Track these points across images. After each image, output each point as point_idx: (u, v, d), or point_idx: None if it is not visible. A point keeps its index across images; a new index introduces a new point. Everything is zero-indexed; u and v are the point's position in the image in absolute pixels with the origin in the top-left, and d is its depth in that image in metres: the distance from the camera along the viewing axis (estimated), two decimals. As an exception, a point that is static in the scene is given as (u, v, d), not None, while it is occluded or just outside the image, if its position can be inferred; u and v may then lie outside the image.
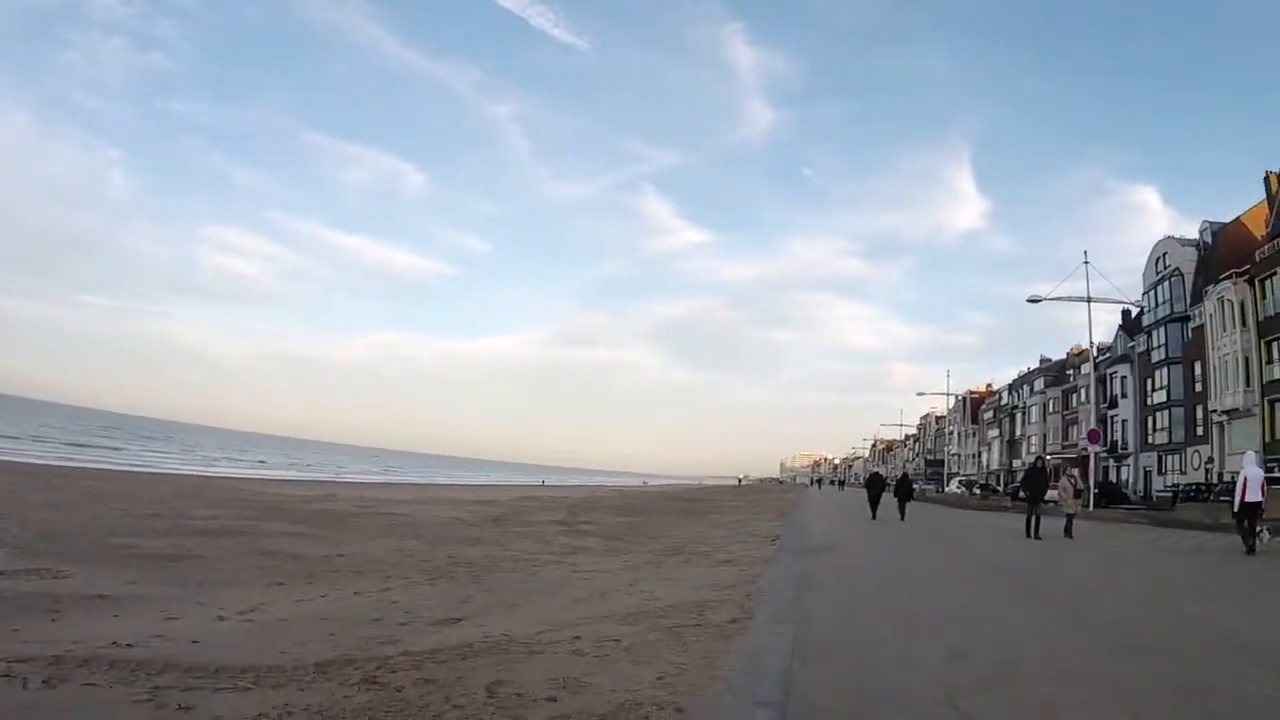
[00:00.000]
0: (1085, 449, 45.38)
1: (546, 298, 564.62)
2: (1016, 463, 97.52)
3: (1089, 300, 41.93)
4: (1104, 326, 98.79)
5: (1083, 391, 79.27)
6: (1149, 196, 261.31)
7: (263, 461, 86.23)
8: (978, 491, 72.37)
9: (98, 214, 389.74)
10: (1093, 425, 52.41)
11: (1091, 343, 50.40)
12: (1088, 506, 37.35)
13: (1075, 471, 31.40)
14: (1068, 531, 24.06)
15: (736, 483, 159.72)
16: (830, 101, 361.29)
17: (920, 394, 74.42)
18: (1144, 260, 63.16)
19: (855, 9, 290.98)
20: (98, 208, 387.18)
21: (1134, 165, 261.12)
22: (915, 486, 45.60)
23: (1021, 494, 27.61)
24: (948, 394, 73.12)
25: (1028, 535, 23.35)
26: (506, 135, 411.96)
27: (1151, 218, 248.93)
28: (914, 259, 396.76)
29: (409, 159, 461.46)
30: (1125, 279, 69.78)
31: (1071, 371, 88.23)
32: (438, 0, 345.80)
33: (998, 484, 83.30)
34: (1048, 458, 46.80)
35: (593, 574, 13.51)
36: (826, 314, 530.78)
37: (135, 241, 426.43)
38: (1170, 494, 51.15)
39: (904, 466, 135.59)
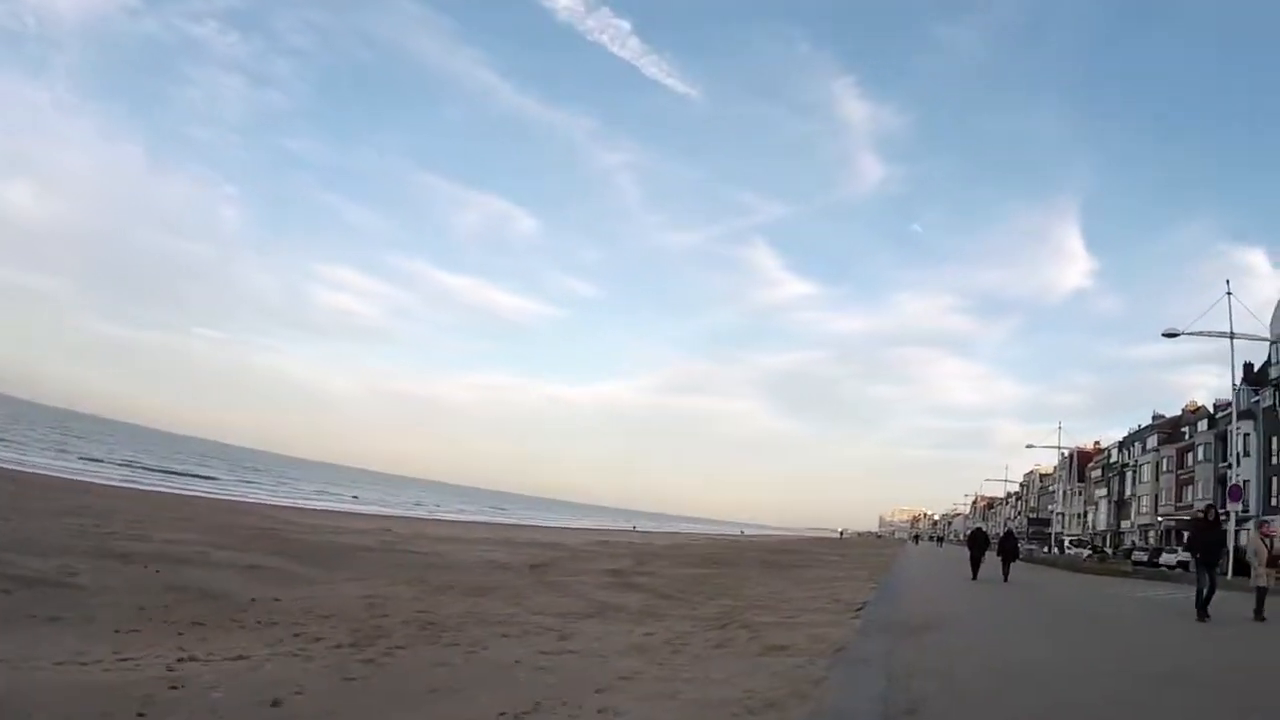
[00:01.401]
0: (1199, 510, 38.69)
1: (653, 345, 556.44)
2: (1125, 523, 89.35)
3: (1231, 336, 35.37)
4: (1210, 390, 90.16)
5: (1200, 449, 71.50)
6: (1257, 259, 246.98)
7: (356, 497, 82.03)
8: (1086, 553, 64.47)
9: (211, 247, 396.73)
10: (1221, 484, 45.50)
11: (1234, 382, 43.59)
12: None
13: (1275, 529, 22.88)
14: (1259, 613, 16.98)
15: (839, 535, 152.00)
16: (940, 157, 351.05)
17: (1030, 446, 67.41)
18: (1253, 323, 55.69)
19: (964, 64, 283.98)
20: (211, 241, 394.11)
21: (1241, 227, 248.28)
22: (1021, 546, 39.03)
23: (1190, 554, 20.12)
24: (1059, 447, 65.96)
25: (1200, 616, 16.43)
26: (618, 183, 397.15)
27: (1259, 281, 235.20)
28: (1020, 317, 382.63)
29: (521, 203, 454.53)
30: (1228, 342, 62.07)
31: (1187, 429, 79.86)
32: (551, 49, 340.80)
33: (1104, 545, 75.07)
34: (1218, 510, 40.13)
35: (574, 656, 8.94)
36: (931, 370, 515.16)
37: (247, 275, 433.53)
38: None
39: (1006, 524, 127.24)
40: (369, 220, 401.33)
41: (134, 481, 44.63)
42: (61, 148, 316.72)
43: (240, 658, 7.53)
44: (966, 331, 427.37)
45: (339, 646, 8.56)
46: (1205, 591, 16.81)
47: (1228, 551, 22.65)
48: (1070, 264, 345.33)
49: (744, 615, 14.07)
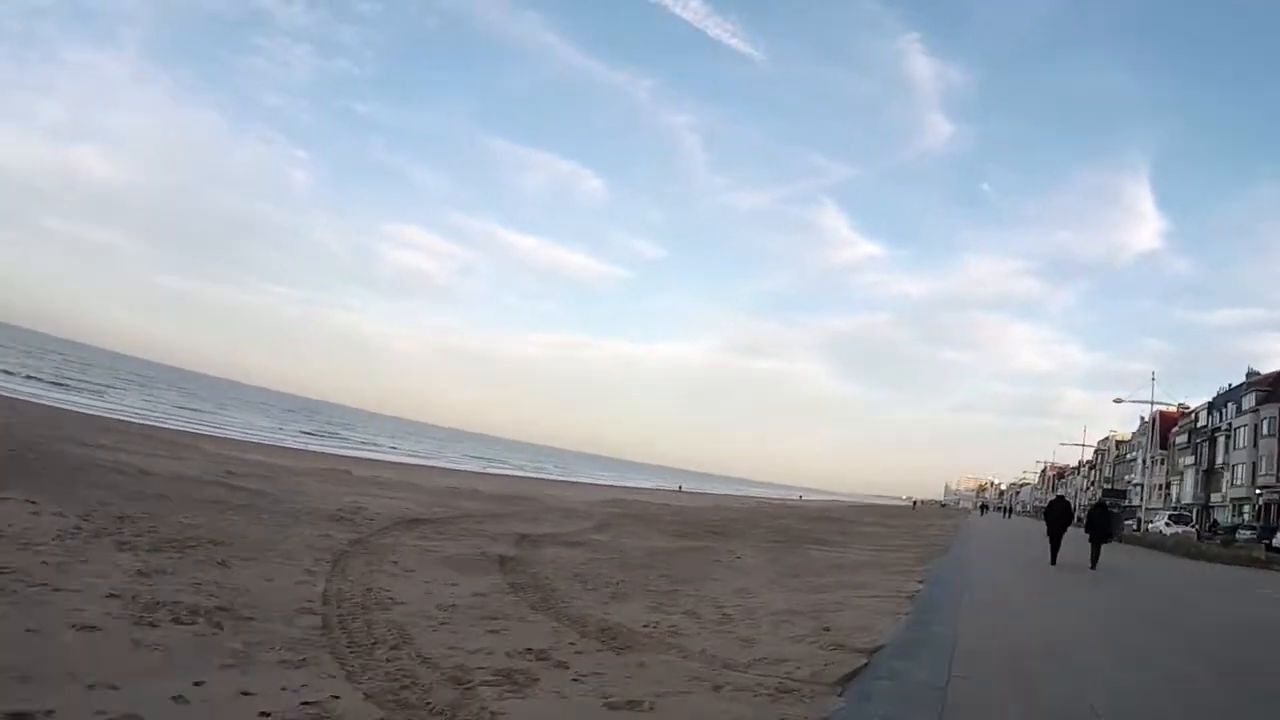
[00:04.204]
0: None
1: (718, 306, 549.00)
2: (1215, 496, 78.66)
3: None
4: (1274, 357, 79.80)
5: None
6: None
7: (394, 447, 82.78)
8: (1190, 530, 52.63)
9: (281, 207, 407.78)
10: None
11: None
12: None
13: None
14: None
15: (911, 505, 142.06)
16: (1008, 115, 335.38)
17: (1119, 400, 57.32)
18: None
19: (1031, 19, 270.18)
20: (281, 202, 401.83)
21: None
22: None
23: None
24: (1152, 401, 56.20)
25: None
26: (684, 144, 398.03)
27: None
28: (1089, 280, 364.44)
29: (587, 165, 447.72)
30: None
31: None
32: (616, 12, 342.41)
33: (1201, 521, 64.60)
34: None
35: None
36: (998, 334, 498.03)
37: (318, 235, 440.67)
38: None
39: (1091, 494, 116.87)
40: (436, 181, 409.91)
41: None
42: (136, 113, 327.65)
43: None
44: (1034, 294, 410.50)
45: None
46: None
47: None
48: (1141, 225, 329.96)
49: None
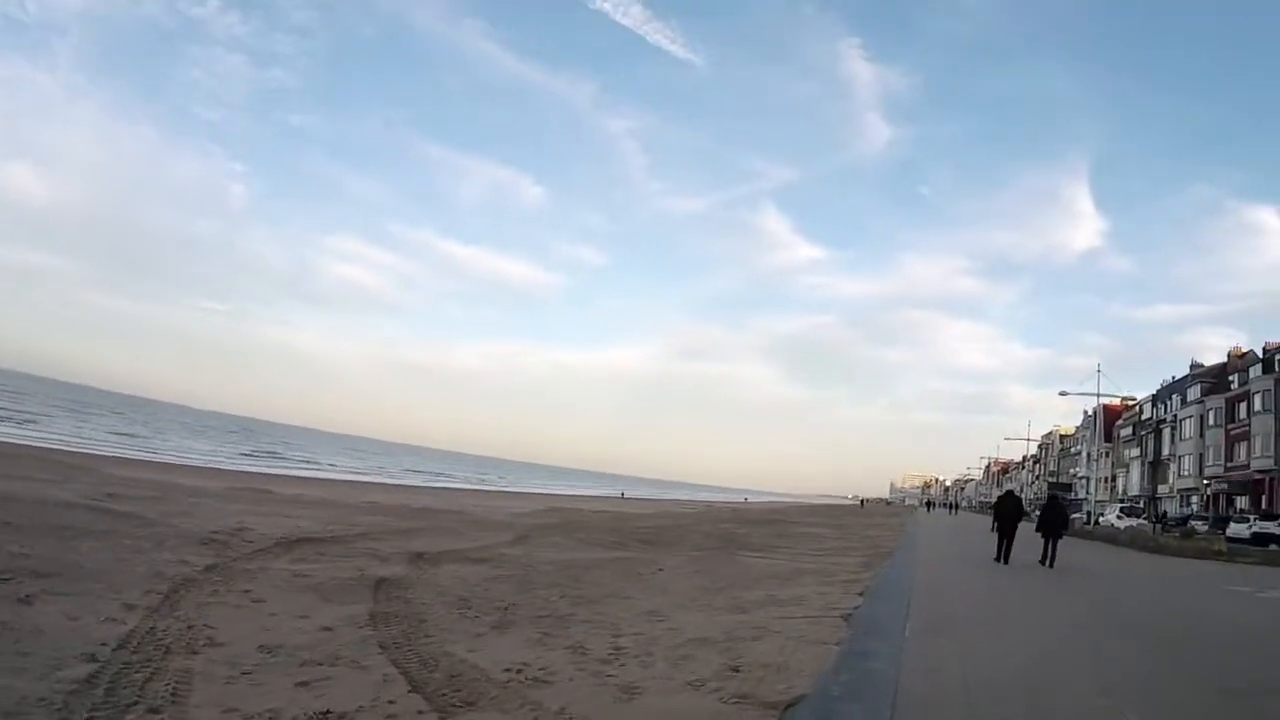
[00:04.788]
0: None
1: (660, 311, 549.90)
2: (1162, 488, 78.11)
3: None
4: (1216, 351, 79.26)
5: (1257, 399, 60.19)
6: (1267, 216, 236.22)
7: (333, 465, 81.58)
8: (1143, 523, 50.74)
9: (219, 222, 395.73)
10: None
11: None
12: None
13: None
14: None
15: (859, 504, 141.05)
16: (947, 118, 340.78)
17: (1064, 393, 55.89)
18: (1260, 285, 45.45)
19: (971, 24, 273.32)
20: (219, 216, 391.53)
21: (1251, 184, 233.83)
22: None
23: None
24: (1099, 394, 54.84)
25: None
26: (623, 150, 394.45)
27: (1269, 239, 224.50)
28: (1030, 278, 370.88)
29: (525, 171, 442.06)
30: (1241, 302, 51.77)
31: (1234, 377, 68.09)
32: (554, 18, 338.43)
33: (1150, 512, 63.37)
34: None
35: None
36: (940, 333, 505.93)
37: (257, 249, 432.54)
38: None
39: (1036, 488, 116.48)
40: (375, 192, 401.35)
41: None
42: (68, 129, 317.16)
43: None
44: (976, 294, 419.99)
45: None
46: None
47: None
48: (1080, 224, 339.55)
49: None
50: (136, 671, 6.14)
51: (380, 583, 11.32)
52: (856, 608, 10.96)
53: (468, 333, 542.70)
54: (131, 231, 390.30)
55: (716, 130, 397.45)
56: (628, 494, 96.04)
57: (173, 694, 5.69)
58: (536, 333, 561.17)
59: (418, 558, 14.42)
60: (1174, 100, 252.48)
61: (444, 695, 6.13)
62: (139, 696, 5.57)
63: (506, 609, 10.33)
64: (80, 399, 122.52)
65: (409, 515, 25.33)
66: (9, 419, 57.06)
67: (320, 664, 6.90)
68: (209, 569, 10.87)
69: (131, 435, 67.30)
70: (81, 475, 22.04)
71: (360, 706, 5.72)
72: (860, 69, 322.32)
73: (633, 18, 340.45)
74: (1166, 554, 30.46)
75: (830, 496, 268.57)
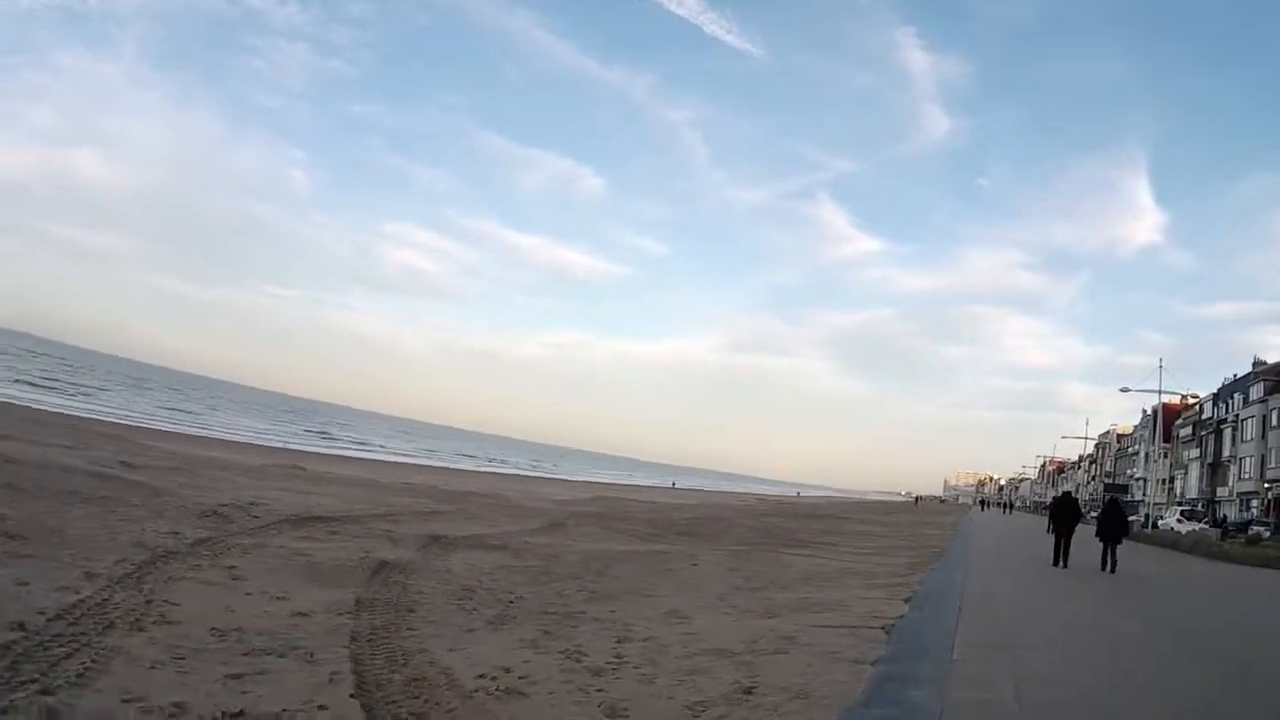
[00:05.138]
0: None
1: (720, 302, 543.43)
2: (1221, 490, 74.93)
3: None
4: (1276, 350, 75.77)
5: None
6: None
7: (383, 446, 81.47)
8: (1206, 528, 47.61)
9: (280, 208, 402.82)
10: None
11: None
12: None
13: None
14: None
15: (914, 501, 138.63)
16: (1005, 107, 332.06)
17: (1125, 389, 53.56)
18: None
19: (1027, 10, 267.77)
20: (280, 202, 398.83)
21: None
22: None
23: None
24: (1160, 390, 52.52)
25: None
26: (683, 140, 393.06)
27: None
28: (1089, 273, 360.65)
29: (586, 162, 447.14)
30: None
31: None
32: (610, 9, 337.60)
33: (1206, 516, 60.45)
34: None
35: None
36: (998, 329, 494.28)
37: (318, 235, 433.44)
38: None
39: (1091, 489, 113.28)
40: (435, 180, 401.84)
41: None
42: (133, 117, 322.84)
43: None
44: (1034, 288, 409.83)
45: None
46: None
47: None
48: (1139, 218, 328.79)
49: None
50: (59, 646, 5.67)
51: (382, 566, 10.67)
52: (900, 617, 9.86)
53: (530, 321, 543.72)
54: (197, 217, 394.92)
55: (775, 121, 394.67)
56: (679, 485, 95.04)
57: (79, 675, 5.19)
58: (598, 323, 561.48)
59: (433, 541, 13.71)
60: (1234, 89, 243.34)
61: (390, 704, 5.42)
62: (41, 674, 5.10)
63: (511, 602, 9.69)
64: (144, 376, 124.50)
65: (442, 498, 24.72)
66: (59, 390, 57.60)
67: (269, 653, 6.32)
68: (200, 543, 10.36)
69: (184, 411, 67.50)
70: (106, 444, 21.61)
71: (283, 709, 5.11)
72: (916, 58, 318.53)
73: (688, 8, 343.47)
74: (1232, 562, 28.51)
75: (884, 492, 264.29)
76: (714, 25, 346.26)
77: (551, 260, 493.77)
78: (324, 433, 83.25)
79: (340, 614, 7.87)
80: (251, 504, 14.60)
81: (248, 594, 8.21)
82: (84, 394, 59.12)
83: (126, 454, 19.28)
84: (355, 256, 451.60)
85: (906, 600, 11.48)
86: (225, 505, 13.81)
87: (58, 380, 65.24)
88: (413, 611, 8.43)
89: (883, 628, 8.93)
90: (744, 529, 26.03)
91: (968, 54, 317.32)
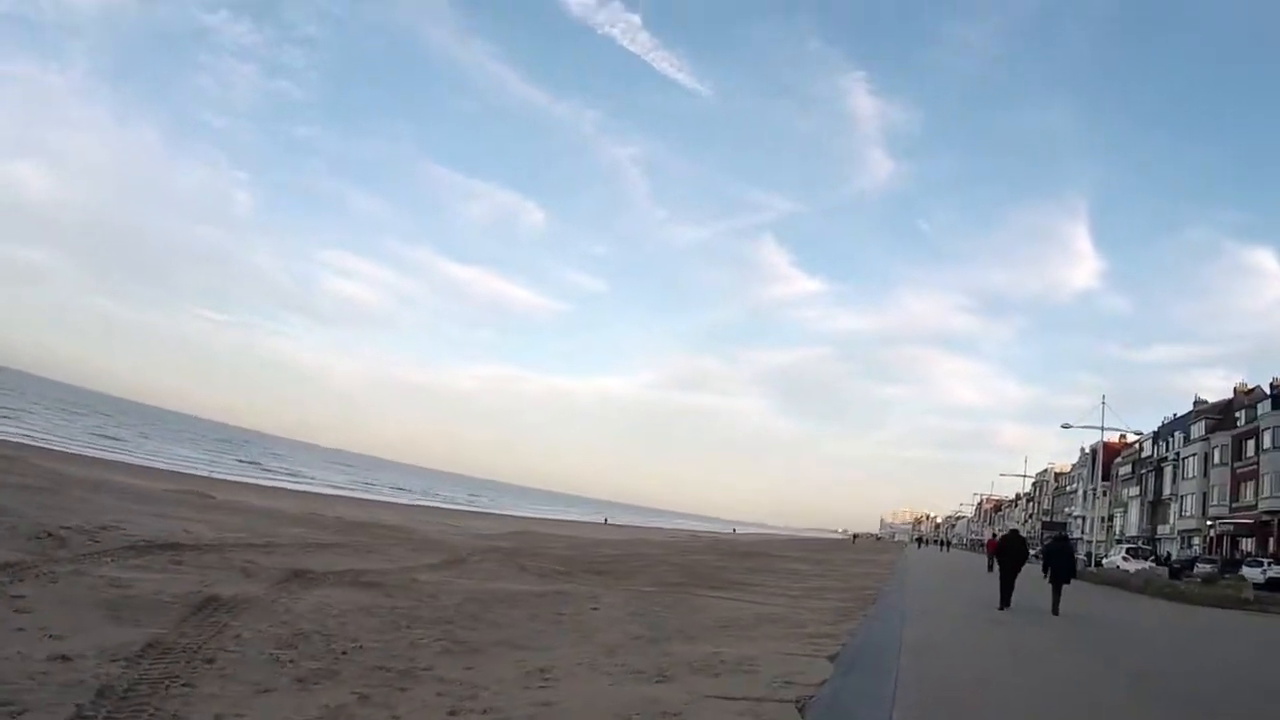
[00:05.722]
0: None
1: (657, 340, 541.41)
2: (1162, 528, 74.22)
3: None
4: (1212, 393, 75.47)
5: (1267, 435, 56.18)
6: (1265, 258, 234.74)
7: (313, 478, 79.19)
8: (1153, 566, 47.33)
9: (221, 231, 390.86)
10: None
11: None
12: None
13: None
14: None
15: (851, 539, 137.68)
16: (948, 154, 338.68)
17: (1066, 425, 51.99)
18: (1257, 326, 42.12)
19: (974, 61, 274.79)
20: (221, 225, 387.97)
21: (1248, 225, 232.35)
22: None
23: None
24: (1102, 427, 51.29)
25: None
26: (626, 176, 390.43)
27: (1267, 280, 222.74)
28: (1026, 317, 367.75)
29: (529, 195, 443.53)
30: (1239, 344, 48.37)
31: (1241, 413, 64.29)
32: (562, 42, 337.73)
33: (1152, 554, 59.25)
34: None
35: None
36: (934, 369, 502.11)
37: (258, 259, 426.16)
38: None
39: (1029, 527, 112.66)
40: (377, 208, 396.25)
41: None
42: (77, 131, 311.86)
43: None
44: (971, 330, 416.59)
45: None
46: None
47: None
48: (1078, 264, 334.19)
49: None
50: None
51: (208, 603, 9.19)
52: (821, 684, 7.68)
53: (465, 354, 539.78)
54: (135, 236, 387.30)
55: (720, 160, 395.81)
56: (613, 520, 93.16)
57: None
58: (534, 357, 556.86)
59: (294, 576, 12.15)
60: (1172, 142, 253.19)
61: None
62: None
63: (345, 653, 7.89)
64: (77, 401, 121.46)
65: (341, 529, 23.57)
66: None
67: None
68: (4, 566, 9.34)
69: (112, 438, 65.36)
70: None
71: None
72: (863, 103, 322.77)
73: (640, 44, 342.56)
74: (1190, 602, 26.70)
75: (821, 530, 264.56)
76: (664, 63, 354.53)
77: (490, 293, 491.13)
78: (255, 463, 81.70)
79: (114, 660, 6.50)
80: (102, 528, 13.47)
81: (18, 629, 7.12)
82: (4, 417, 56.54)
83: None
84: (293, 283, 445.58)
85: (831, 658, 9.36)
86: (69, 528, 12.70)
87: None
88: (210, 662, 6.88)
89: (796, 702, 6.85)
90: (666, 567, 24.05)
91: (914, 100, 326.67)
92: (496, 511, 76.26)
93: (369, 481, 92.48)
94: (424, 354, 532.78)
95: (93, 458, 40.27)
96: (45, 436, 48.33)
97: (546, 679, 7.50)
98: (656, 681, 7.61)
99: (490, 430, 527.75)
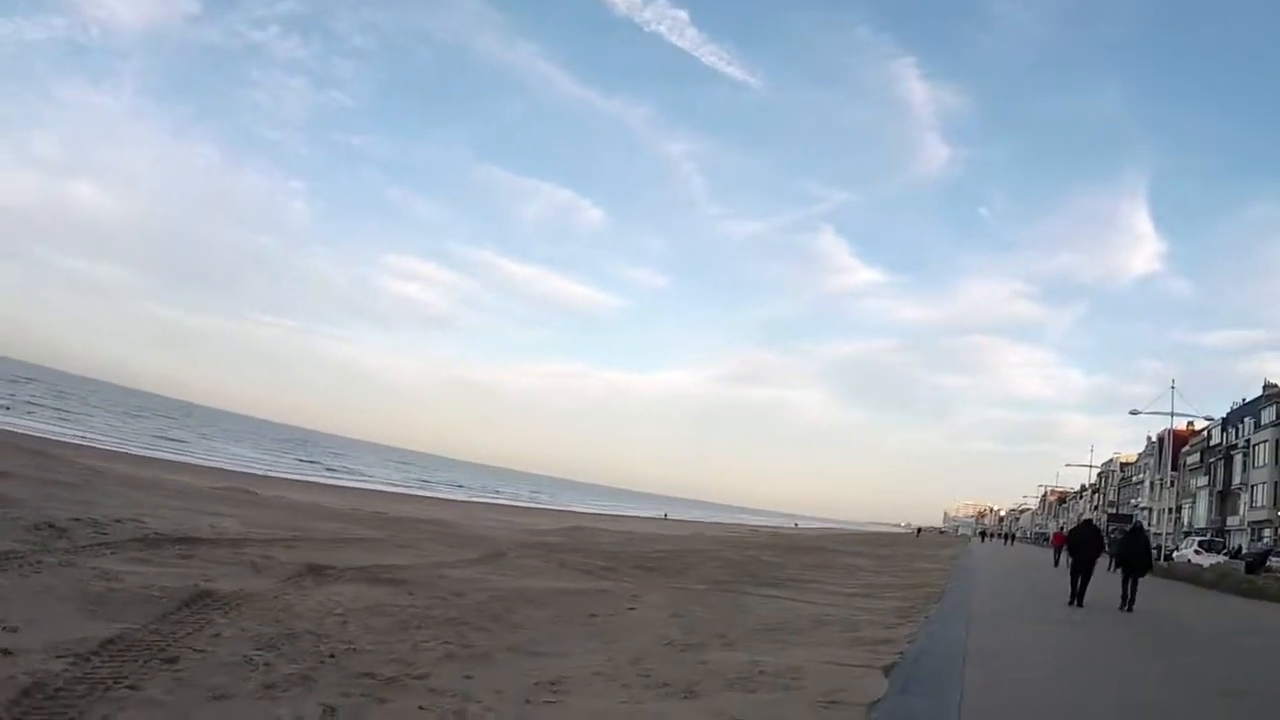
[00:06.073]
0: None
1: (718, 334, 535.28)
2: (1232, 519, 71.21)
3: None
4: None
5: None
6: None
7: (370, 475, 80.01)
8: (1229, 560, 44.48)
9: (279, 239, 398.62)
10: None
11: None
12: None
13: None
14: None
15: (915, 532, 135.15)
16: (1005, 137, 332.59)
17: (1134, 412, 49.98)
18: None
19: (1025, 42, 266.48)
20: (279, 234, 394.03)
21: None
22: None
23: None
24: (1172, 413, 49.06)
25: None
26: (681, 173, 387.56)
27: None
28: (1088, 302, 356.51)
29: (585, 194, 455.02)
30: None
31: None
32: (609, 41, 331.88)
33: (1225, 547, 56.56)
34: None
35: None
36: (997, 359, 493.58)
37: (317, 266, 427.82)
38: None
39: (1096, 519, 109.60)
40: (434, 212, 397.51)
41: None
42: (132, 148, 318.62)
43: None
44: (1034, 318, 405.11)
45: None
46: None
47: None
48: (1139, 247, 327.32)
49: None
50: None
51: (199, 598, 8.49)
52: (876, 703, 6.55)
53: (526, 352, 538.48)
54: (197, 248, 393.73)
55: (774, 153, 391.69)
56: (673, 516, 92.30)
57: None
58: (595, 354, 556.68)
59: (308, 571, 11.43)
60: (1232, 119, 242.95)
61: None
62: None
63: (332, 657, 7.04)
64: (148, 406, 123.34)
65: (377, 524, 22.76)
66: (35, 414, 55.54)
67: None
68: None
69: (172, 439, 65.50)
70: (14, 456, 20.32)
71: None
72: (916, 89, 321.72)
73: (688, 39, 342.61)
74: (1267, 599, 24.67)
75: (883, 523, 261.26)
76: (713, 57, 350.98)
77: (550, 291, 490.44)
78: (315, 462, 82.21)
79: (61, 657, 5.87)
80: (116, 521, 12.86)
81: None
82: (63, 418, 57.45)
83: (28, 466, 18.34)
84: (354, 287, 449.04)
85: (888, 669, 8.20)
86: (78, 520, 12.17)
87: (41, 405, 63.98)
88: (171, 662, 6.18)
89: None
90: (718, 563, 22.91)
91: (967, 85, 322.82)
92: (554, 507, 75.89)
93: (425, 479, 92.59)
94: (486, 353, 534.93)
95: (142, 456, 40.42)
96: (99, 437, 48.66)
97: (554, 691, 6.52)
98: (681, 697, 6.58)
99: (553, 427, 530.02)
